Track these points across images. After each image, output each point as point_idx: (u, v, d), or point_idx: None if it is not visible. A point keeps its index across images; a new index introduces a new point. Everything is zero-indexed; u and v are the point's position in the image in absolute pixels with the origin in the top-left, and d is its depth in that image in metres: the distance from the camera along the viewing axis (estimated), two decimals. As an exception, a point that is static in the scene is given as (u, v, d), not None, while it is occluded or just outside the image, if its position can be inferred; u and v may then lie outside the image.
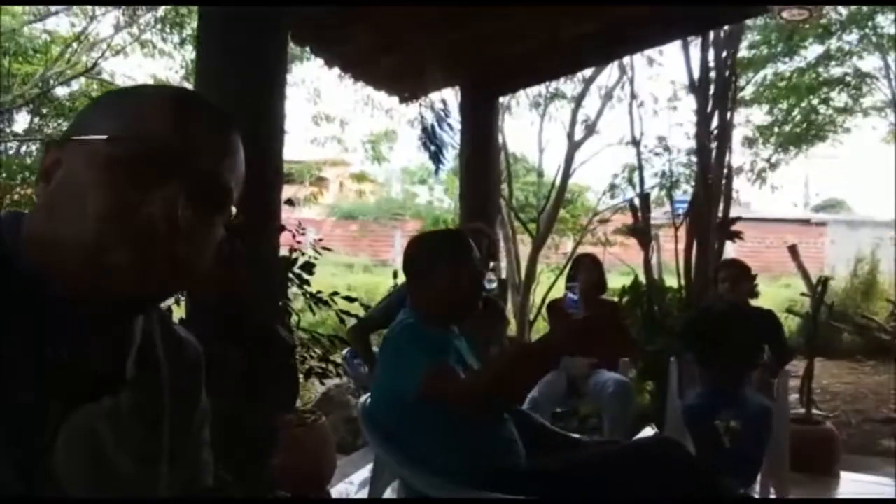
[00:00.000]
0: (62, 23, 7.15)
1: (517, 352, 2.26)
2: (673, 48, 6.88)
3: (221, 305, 2.20)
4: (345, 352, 3.08)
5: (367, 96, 8.54)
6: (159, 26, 6.76)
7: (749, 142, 8.73)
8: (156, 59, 7.28)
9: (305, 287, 2.74)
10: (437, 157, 4.59)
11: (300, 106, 9.91)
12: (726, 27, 4.80)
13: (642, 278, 5.12)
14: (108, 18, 6.77)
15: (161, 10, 6.76)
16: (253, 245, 2.24)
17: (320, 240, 3.01)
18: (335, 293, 2.93)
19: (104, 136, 0.70)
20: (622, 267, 6.55)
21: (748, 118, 8.48)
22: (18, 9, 6.24)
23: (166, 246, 0.70)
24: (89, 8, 6.32)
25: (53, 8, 6.38)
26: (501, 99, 5.83)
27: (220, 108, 0.80)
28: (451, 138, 4.53)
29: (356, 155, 10.61)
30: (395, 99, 4.83)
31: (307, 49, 4.71)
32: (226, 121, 0.79)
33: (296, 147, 10.82)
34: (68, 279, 0.70)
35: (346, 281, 10.32)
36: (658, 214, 6.54)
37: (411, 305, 1.94)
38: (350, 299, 2.97)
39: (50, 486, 0.69)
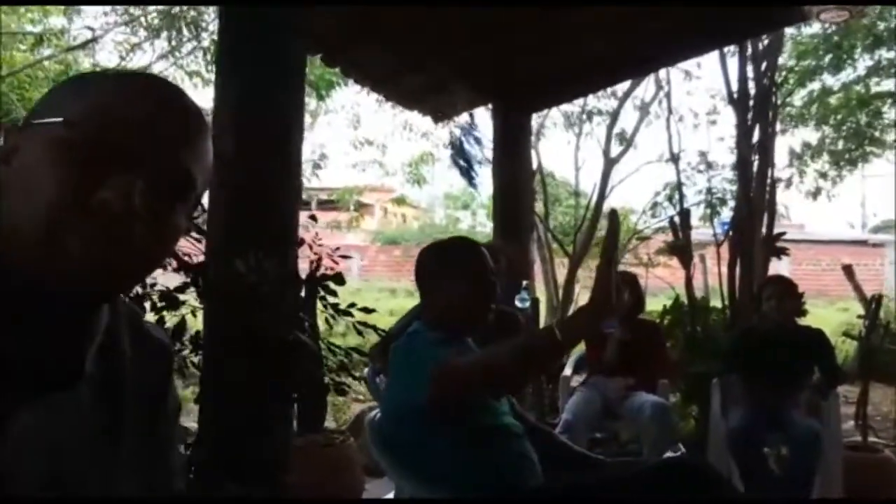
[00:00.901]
0: (113, 57, 7.45)
1: (543, 329, 2.23)
2: (712, 61, 6.75)
3: (238, 317, 2.18)
4: (367, 369, 3.03)
5: (405, 121, 8.62)
6: (200, 55, 6.95)
7: (798, 158, 8.45)
8: (200, 90, 7.49)
9: (329, 298, 2.70)
10: (467, 172, 4.55)
11: (341, 131, 10.05)
12: (765, 38, 4.67)
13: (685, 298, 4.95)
14: (155, 49, 7.00)
15: (207, 41, 6.96)
16: (271, 258, 2.23)
17: (337, 249, 2.98)
18: (353, 304, 2.89)
19: (60, 119, 0.68)
20: (669, 291, 6.28)
21: (794, 133, 8.24)
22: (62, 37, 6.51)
23: (122, 234, 0.67)
24: (133, 37, 6.56)
25: (97, 23, 6.60)
26: (538, 120, 5.78)
27: (186, 96, 0.78)
28: (480, 152, 4.49)
29: (397, 179, 10.69)
30: (432, 122, 4.83)
31: (338, 70, 4.76)
32: (191, 108, 0.76)
33: (338, 172, 10.98)
34: (24, 266, 0.67)
35: (389, 306, 10.31)
36: (703, 233, 6.35)
37: (423, 317, 1.89)
38: (368, 310, 2.92)
39: None
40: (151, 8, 6.36)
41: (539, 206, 6.37)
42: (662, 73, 6.03)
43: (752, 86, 4.91)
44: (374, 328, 2.85)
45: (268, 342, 2.14)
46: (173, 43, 6.66)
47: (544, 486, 1.76)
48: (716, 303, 5.16)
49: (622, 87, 6.69)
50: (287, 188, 2.41)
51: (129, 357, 0.80)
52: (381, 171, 10.26)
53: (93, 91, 0.73)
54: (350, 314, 2.77)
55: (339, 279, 2.71)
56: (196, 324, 2.35)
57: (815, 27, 6.74)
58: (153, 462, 0.83)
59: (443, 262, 1.87)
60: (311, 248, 2.72)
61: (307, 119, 9.32)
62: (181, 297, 2.36)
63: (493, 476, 1.68)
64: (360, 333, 2.83)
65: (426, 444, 1.70)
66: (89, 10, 6.66)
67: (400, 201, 12.80)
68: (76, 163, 0.66)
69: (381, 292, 12.98)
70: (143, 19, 6.43)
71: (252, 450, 2.06)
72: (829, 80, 7.52)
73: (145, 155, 0.68)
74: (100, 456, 0.74)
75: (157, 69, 6.68)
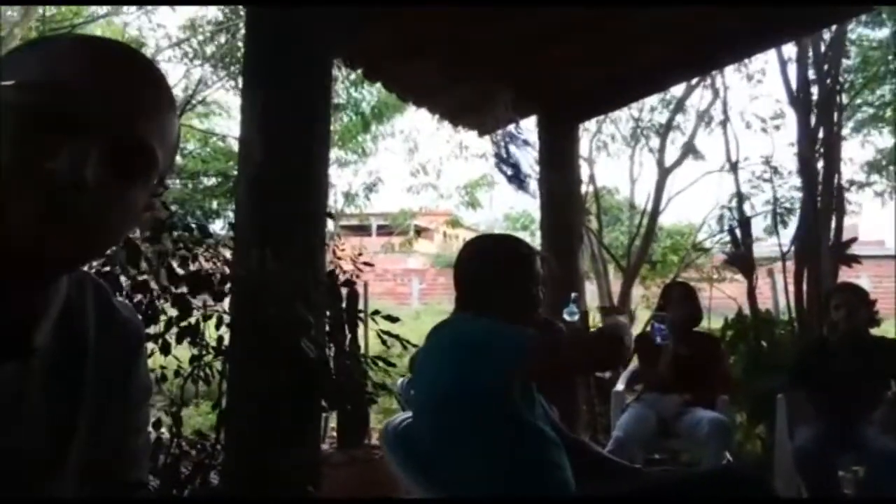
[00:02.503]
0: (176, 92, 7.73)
1: None
2: (776, 63, 6.47)
3: (259, 324, 2.14)
4: (400, 380, 2.95)
5: (460, 142, 8.64)
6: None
7: (874, 168, 8.00)
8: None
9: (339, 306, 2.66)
10: (515, 178, 4.42)
11: (399, 156, 10.20)
12: (826, 35, 4.43)
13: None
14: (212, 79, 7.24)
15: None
16: (291, 262, 2.19)
17: (360, 254, 2.92)
18: (376, 311, 2.82)
19: (12, 82, 0.64)
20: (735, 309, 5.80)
21: (867, 140, 7.79)
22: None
23: (71, 206, 0.63)
24: (199, 71, 6.79)
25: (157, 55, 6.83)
26: (590, 135, 5.62)
27: (156, 69, 0.74)
28: (527, 156, 4.36)
29: (452, 202, 10.74)
30: (488, 144, 4.77)
31: (388, 92, 4.77)
32: (155, 78, 0.72)
33: (394, 197, 11.12)
34: None
35: (445, 328, 10.25)
36: (772, 249, 6.03)
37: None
38: (392, 319, 2.84)
39: None
40: (207, 34, 6.59)
41: (590, 218, 6.20)
42: (719, 79, 5.81)
43: (815, 88, 4.66)
44: (398, 338, 2.78)
45: (282, 344, 2.09)
46: (230, 70, 6.86)
47: (586, 496, 1.64)
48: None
49: (677, 94, 6.46)
50: (313, 192, 2.38)
51: (94, 333, 0.77)
52: (435, 195, 10.32)
53: (51, 54, 0.69)
54: (362, 320, 2.71)
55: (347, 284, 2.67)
56: (212, 330, 2.33)
57: (884, 31, 6.39)
58: (112, 445, 0.80)
59: (494, 254, 1.82)
60: (335, 253, 2.68)
61: (369, 145, 9.53)
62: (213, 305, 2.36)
63: (524, 485, 1.58)
64: (384, 343, 2.76)
65: (454, 452, 1.62)
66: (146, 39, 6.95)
67: (454, 223, 12.83)
68: (26, 127, 0.63)
69: (440, 315, 12.94)
70: (198, 47, 6.65)
71: (274, 457, 2.00)
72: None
73: (101, 125, 0.64)
74: (52, 429, 0.72)
75: (214, 98, 6.90)
